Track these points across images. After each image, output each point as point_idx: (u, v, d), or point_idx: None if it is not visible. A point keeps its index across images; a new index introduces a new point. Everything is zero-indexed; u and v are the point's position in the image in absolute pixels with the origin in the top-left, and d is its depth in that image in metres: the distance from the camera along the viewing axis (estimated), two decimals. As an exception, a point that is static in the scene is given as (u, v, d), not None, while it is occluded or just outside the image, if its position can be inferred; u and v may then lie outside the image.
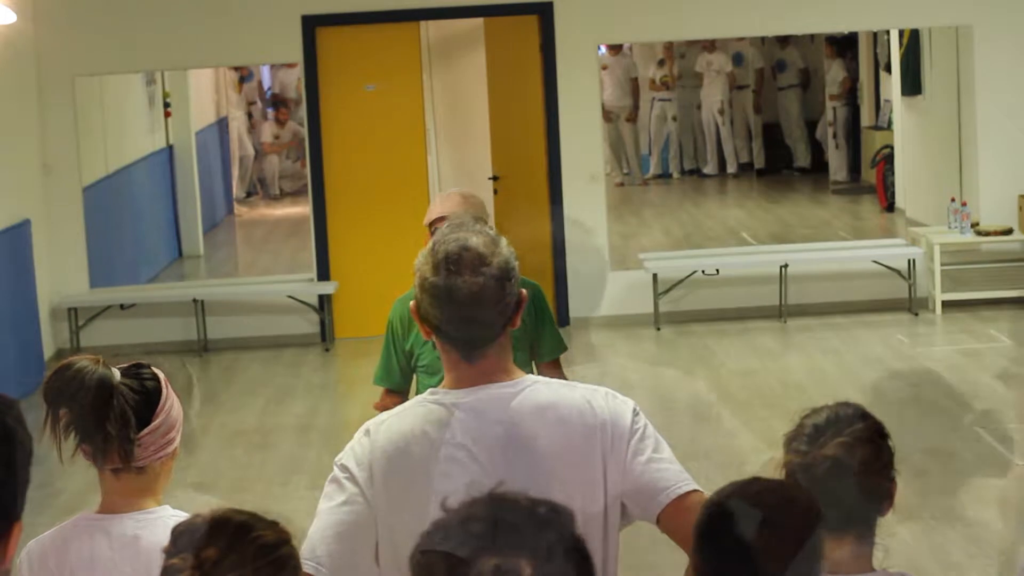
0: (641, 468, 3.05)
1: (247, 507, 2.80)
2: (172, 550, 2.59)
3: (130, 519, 3.24)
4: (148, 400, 3.26)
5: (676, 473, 3.07)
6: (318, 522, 3.08)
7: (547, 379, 3.17)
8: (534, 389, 3.08)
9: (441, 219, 5.37)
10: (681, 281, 12.69)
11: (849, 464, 2.96)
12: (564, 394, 3.10)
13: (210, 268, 16.51)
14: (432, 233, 5.22)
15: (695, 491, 3.04)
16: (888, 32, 16.30)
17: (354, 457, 3.10)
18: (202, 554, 2.49)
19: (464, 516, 1.77)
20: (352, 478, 3.08)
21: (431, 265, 3.03)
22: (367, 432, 3.12)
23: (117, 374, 3.24)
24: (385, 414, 3.14)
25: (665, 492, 3.03)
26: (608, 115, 19.68)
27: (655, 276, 12.58)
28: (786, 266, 12.59)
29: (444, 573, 1.73)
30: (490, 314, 3.02)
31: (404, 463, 3.05)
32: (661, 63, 20.12)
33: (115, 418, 3.18)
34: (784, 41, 19.86)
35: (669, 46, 19.97)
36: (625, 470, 3.05)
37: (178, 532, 2.61)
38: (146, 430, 3.24)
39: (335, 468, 3.12)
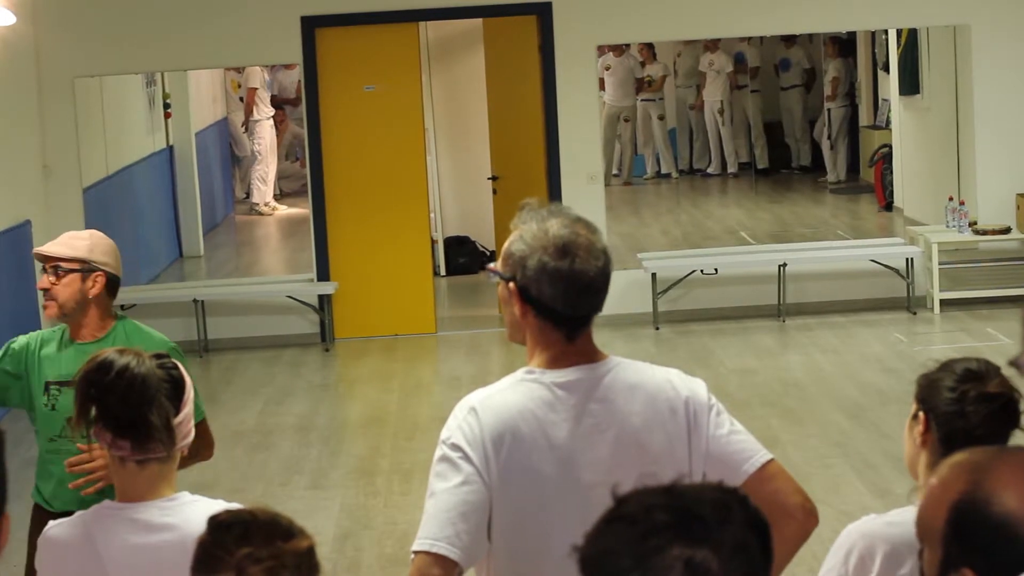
0: (724, 440, 3.24)
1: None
2: (210, 540, 2.64)
3: (154, 506, 3.32)
4: (175, 389, 3.37)
5: (754, 444, 3.26)
6: (438, 503, 3.11)
7: (628, 359, 3.31)
8: (621, 368, 3.25)
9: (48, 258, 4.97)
10: (680, 280, 12.71)
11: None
12: (647, 373, 3.28)
13: (210, 268, 16.52)
14: (45, 267, 4.92)
15: (773, 460, 3.26)
16: (886, 32, 16.33)
17: (464, 436, 3.15)
18: (245, 552, 2.56)
19: (645, 507, 1.76)
20: (466, 457, 3.13)
21: (547, 250, 3.16)
22: (473, 410, 3.18)
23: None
24: (486, 391, 3.22)
25: (749, 462, 3.22)
26: (611, 116, 19.73)
27: (654, 276, 12.60)
28: (785, 265, 12.61)
29: (632, 564, 1.72)
30: (604, 294, 3.22)
31: (514, 442, 3.15)
32: (642, 65, 20.13)
33: (158, 409, 3.29)
34: (789, 40, 19.83)
35: (649, 47, 19.96)
36: (708, 443, 3.23)
37: (217, 524, 2.66)
38: (179, 418, 3.36)
39: (444, 447, 3.16)
